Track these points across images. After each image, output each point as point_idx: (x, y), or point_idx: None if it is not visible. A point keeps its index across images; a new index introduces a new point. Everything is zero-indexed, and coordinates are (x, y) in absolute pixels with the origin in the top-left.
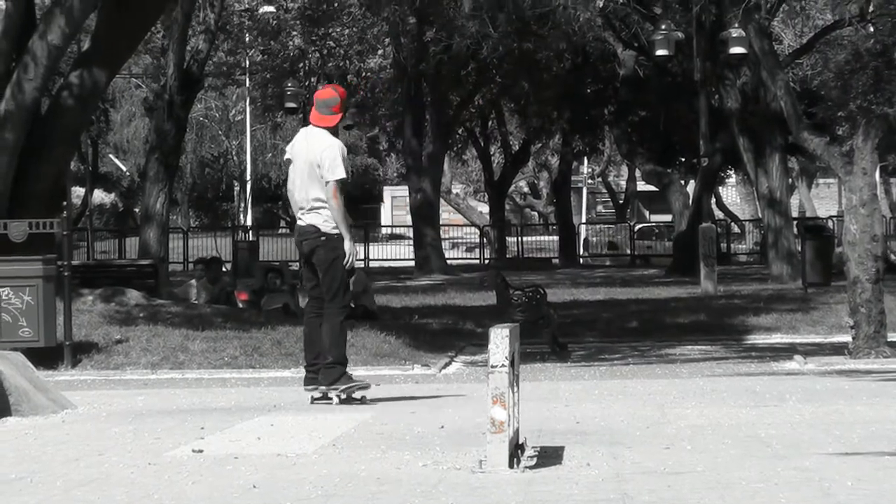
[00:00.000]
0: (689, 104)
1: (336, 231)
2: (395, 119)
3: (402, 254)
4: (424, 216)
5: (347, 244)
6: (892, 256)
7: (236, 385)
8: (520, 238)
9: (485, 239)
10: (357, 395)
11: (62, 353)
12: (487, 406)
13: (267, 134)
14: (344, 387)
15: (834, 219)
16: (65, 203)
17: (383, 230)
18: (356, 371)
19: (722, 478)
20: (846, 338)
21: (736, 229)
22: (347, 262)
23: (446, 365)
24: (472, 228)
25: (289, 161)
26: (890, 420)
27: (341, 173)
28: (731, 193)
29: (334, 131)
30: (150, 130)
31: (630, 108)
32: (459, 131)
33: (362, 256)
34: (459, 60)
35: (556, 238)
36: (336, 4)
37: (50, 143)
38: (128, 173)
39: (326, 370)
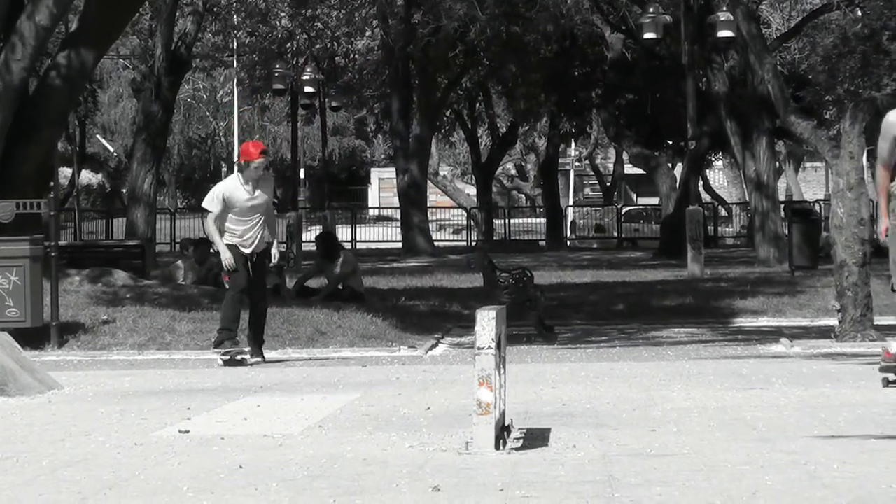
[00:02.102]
0: (676, 87)
1: None
2: (383, 101)
3: (389, 235)
4: (412, 198)
5: (222, 255)
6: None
7: (223, 366)
8: (507, 220)
9: (472, 221)
10: (238, 357)
11: (49, 333)
12: (474, 388)
13: (255, 115)
14: (224, 350)
15: (821, 202)
16: (52, 183)
17: (370, 212)
18: (342, 352)
19: (708, 460)
20: (833, 321)
21: (723, 212)
22: (224, 267)
23: (433, 347)
24: (460, 210)
25: None
26: (876, 403)
27: (206, 205)
28: (719, 176)
29: (242, 168)
30: (138, 111)
31: (617, 91)
32: (447, 113)
33: (349, 238)
34: (447, 43)
35: (543, 220)
36: None
37: (37, 124)
38: (115, 154)
39: (216, 335)
